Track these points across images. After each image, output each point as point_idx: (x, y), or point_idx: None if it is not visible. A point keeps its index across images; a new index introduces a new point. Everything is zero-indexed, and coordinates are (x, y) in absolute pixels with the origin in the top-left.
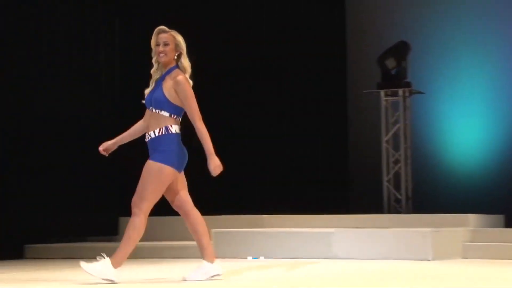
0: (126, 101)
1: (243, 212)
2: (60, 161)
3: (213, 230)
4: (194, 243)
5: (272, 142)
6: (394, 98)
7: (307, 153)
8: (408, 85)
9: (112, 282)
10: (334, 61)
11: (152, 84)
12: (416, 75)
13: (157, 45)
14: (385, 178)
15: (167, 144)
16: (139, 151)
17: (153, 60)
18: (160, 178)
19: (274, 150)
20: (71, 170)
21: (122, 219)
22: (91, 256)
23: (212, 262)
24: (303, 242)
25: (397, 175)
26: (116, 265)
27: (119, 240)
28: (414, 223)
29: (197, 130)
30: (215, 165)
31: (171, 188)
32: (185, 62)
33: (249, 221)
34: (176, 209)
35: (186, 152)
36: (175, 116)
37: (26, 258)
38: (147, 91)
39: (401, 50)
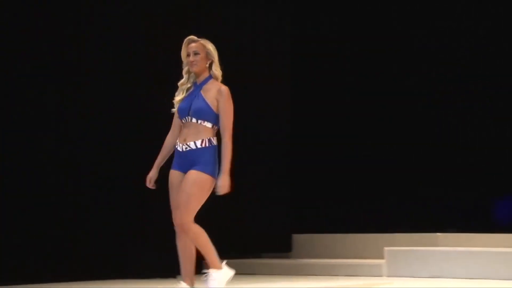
0: None
1: (416, 230)
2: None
3: (386, 248)
4: (366, 260)
5: (457, 153)
6: None
7: (491, 165)
8: None
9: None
10: None
11: (182, 94)
12: None
13: (188, 55)
14: None
15: (211, 156)
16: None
17: (184, 72)
18: (207, 189)
19: (455, 162)
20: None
21: (295, 236)
22: (266, 273)
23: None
24: (484, 262)
25: None
26: (219, 266)
27: (293, 256)
28: None
29: (224, 144)
30: (225, 184)
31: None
32: (217, 70)
33: (423, 239)
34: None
35: None
36: (216, 127)
37: (203, 273)
38: (177, 99)
39: None
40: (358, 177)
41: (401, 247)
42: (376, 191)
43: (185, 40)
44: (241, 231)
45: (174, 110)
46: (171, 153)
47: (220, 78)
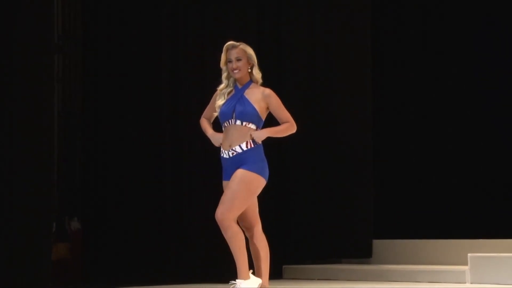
0: None
1: (501, 236)
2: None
3: (469, 254)
4: (449, 267)
5: None
6: None
7: None
8: None
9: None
10: None
11: (224, 98)
12: None
13: (229, 61)
14: None
15: (258, 155)
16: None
17: (224, 77)
18: (253, 188)
19: None
20: (325, 192)
21: (375, 242)
22: (346, 278)
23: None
24: None
25: None
26: (247, 275)
27: (373, 262)
28: None
29: (290, 125)
30: (261, 136)
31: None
32: (258, 74)
33: (508, 245)
34: (244, 229)
35: None
36: (259, 129)
37: (284, 278)
38: (219, 103)
39: None
40: (441, 182)
41: (485, 253)
42: (459, 196)
43: (225, 46)
44: (321, 236)
45: (216, 114)
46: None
47: (260, 81)
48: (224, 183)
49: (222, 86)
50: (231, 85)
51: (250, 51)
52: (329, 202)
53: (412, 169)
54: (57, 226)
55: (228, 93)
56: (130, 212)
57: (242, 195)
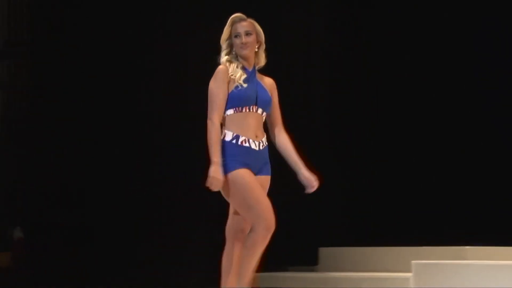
0: None
1: (444, 243)
2: None
3: (413, 262)
4: (393, 274)
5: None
6: None
7: None
8: None
9: None
10: None
11: (240, 74)
12: None
13: (236, 36)
14: None
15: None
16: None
17: (224, 55)
18: None
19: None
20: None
21: (322, 250)
22: (292, 286)
23: None
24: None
25: None
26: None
27: (319, 270)
28: None
29: (285, 136)
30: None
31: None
32: (263, 55)
33: (451, 252)
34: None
35: None
36: None
37: None
38: (239, 77)
39: None
40: (386, 189)
41: (429, 260)
42: (404, 204)
43: (231, 18)
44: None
45: (242, 87)
46: None
47: (263, 64)
48: (259, 178)
49: (225, 58)
50: (238, 62)
51: (259, 27)
52: (275, 210)
53: (357, 177)
54: None
55: (242, 71)
56: (73, 220)
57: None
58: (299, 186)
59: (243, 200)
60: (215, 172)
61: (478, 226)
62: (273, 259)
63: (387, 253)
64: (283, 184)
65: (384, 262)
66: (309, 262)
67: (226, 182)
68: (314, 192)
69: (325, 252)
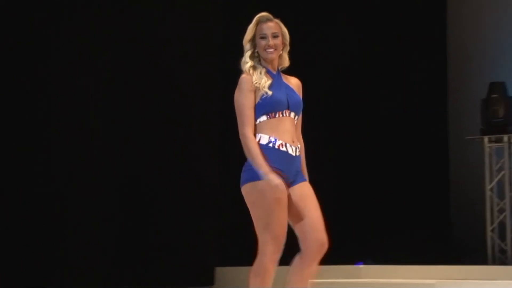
0: None
1: (337, 262)
2: None
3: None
4: None
5: (369, 186)
6: (499, 144)
7: (405, 200)
8: None
9: None
10: (435, 104)
11: (265, 79)
12: None
13: (262, 37)
14: (489, 228)
15: None
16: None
17: (248, 56)
18: None
19: (370, 195)
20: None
21: (218, 269)
22: None
23: None
24: None
25: (502, 225)
26: None
27: None
28: None
29: (301, 143)
30: None
31: None
32: (287, 57)
33: (344, 271)
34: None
35: None
36: None
37: None
38: (264, 83)
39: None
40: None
41: (324, 279)
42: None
43: (257, 17)
44: (163, 262)
45: (268, 94)
46: None
47: (286, 65)
48: (296, 187)
49: (248, 65)
50: (261, 67)
51: (285, 28)
52: (172, 228)
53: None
54: None
55: (266, 76)
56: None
57: None
58: (197, 205)
59: (264, 215)
60: (274, 179)
61: (369, 244)
62: (169, 279)
63: (282, 272)
64: (179, 202)
65: (280, 280)
66: (206, 281)
67: (253, 189)
68: (211, 210)
69: (222, 272)
